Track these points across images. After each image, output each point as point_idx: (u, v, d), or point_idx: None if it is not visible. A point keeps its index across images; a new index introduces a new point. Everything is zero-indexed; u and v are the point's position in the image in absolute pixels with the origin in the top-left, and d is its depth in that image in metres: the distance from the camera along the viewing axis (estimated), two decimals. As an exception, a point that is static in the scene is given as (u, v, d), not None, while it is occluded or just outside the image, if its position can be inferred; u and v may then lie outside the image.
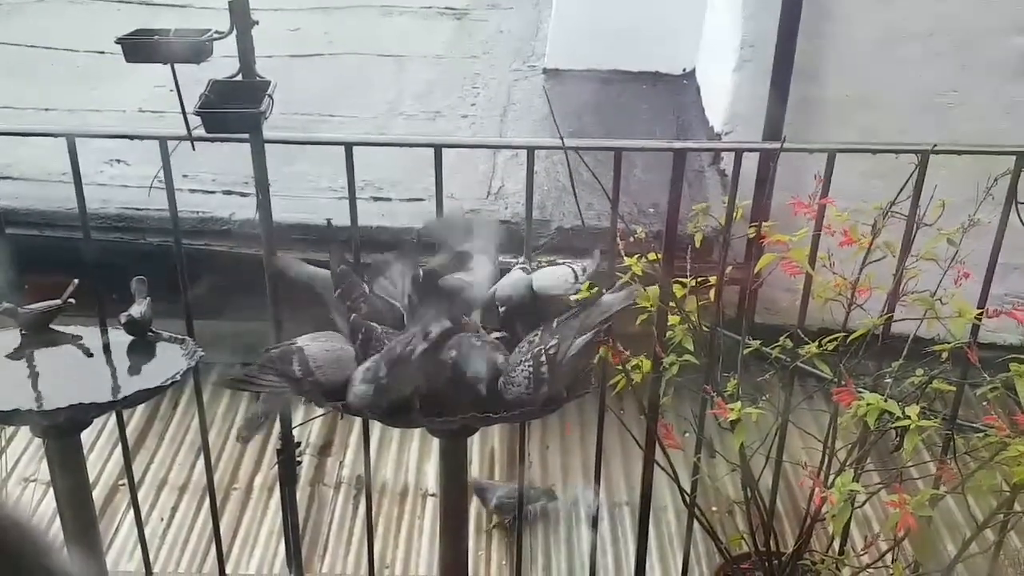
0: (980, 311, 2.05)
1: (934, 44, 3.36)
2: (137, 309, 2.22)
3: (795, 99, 3.39)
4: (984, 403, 2.05)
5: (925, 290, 2.03)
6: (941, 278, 2.02)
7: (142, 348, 2.22)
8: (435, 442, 2.10)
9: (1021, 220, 2.17)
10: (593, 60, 4.56)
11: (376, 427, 3.18)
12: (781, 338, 2.19)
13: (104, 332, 2.28)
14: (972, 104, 3.37)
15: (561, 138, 2.12)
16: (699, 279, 2.24)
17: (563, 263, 2.03)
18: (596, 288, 2.02)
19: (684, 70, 4.54)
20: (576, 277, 2.00)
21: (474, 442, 3.29)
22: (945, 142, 2.18)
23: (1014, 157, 2.17)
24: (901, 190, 2.07)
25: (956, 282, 2.00)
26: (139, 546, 2.72)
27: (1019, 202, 2.16)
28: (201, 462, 2.74)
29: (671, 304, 2.21)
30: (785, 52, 3.34)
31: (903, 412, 1.88)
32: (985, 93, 3.38)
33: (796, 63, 3.35)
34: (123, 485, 3.14)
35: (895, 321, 2.15)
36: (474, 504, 3.08)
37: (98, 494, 3.09)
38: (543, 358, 1.82)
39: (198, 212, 3.42)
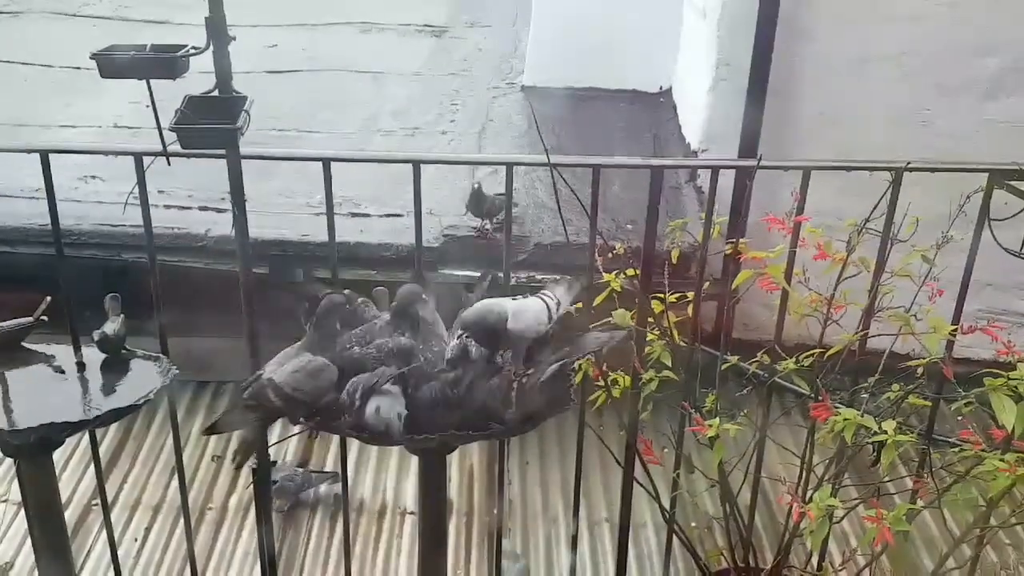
0: (955, 327, 2.07)
1: (907, 64, 3.41)
2: (110, 326, 2.20)
3: (770, 117, 3.42)
4: (959, 418, 2.06)
5: (900, 306, 2.05)
6: (915, 294, 2.04)
7: (115, 366, 2.19)
8: (413, 460, 2.08)
9: (994, 237, 2.19)
10: (571, 78, 4.60)
11: (354, 445, 3.15)
12: (759, 354, 2.19)
13: (77, 350, 2.25)
14: (945, 122, 3.42)
15: (547, 154, 2.12)
16: (677, 295, 2.25)
17: (539, 296, 2.02)
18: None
19: (661, 88, 4.58)
20: (550, 316, 1.99)
21: (453, 459, 3.27)
22: (919, 160, 2.21)
23: (986, 175, 2.20)
24: (875, 207, 2.09)
25: (930, 298, 2.02)
26: (112, 567, 2.68)
27: (992, 219, 2.19)
28: (175, 482, 2.70)
29: (650, 320, 2.21)
30: (760, 71, 3.38)
31: (879, 427, 1.89)
32: (958, 112, 3.42)
33: (771, 82, 3.39)
34: (96, 505, 3.09)
35: (871, 337, 2.16)
36: (453, 522, 3.06)
37: (70, 514, 3.04)
38: (515, 384, 1.84)
39: (173, 228, 3.40)
